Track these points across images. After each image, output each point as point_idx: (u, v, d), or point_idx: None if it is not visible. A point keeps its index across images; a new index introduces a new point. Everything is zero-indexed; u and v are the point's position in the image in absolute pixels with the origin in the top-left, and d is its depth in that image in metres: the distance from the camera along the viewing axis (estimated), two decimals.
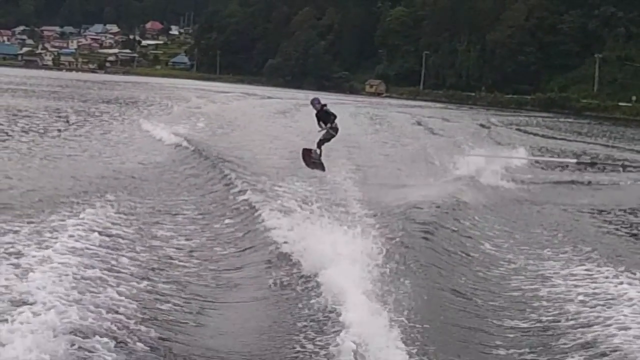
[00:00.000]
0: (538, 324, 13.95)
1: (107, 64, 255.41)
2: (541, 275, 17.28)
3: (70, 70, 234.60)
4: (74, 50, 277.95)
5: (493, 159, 37.82)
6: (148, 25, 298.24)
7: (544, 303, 15.14)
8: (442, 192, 30.74)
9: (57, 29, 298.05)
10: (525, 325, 13.81)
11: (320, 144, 24.24)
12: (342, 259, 14.61)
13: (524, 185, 33.52)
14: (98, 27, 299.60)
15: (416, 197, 28.65)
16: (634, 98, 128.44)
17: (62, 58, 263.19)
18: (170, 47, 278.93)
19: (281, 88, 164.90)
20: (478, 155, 39.75)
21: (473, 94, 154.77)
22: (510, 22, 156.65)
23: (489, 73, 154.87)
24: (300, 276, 15.09)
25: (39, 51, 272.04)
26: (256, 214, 21.59)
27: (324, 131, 23.70)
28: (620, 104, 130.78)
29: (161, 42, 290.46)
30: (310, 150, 24.50)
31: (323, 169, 24.47)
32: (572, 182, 35.71)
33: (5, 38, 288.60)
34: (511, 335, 13.25)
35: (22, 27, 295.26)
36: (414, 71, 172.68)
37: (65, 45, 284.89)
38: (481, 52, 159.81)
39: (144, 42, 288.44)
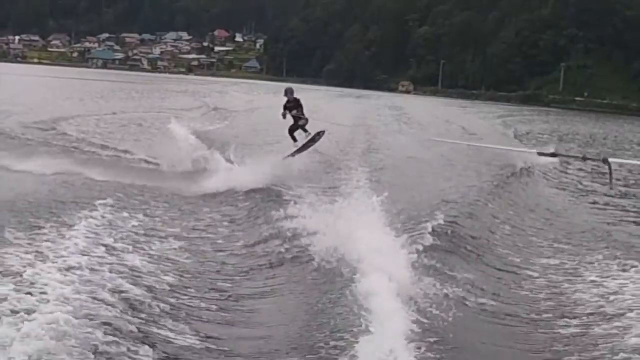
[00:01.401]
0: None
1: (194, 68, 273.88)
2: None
3: (165, 72, 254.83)
4: (158, 55, 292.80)
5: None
6: (216, 32, 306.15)
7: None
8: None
9: (137, 35, 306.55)
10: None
11: (291, 132, 26.98)
12: (372, 248, 14.17)
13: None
14: (172, 35, 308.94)
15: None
16: (585, 94, 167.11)
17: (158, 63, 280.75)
18: (239, 53, 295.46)
19: (336, 87, 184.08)
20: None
21: (476, 91, 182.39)
22: (503, 39, 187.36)
23: (488, 77, 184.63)
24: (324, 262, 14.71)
25: (133, 56, 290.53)
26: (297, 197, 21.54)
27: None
28: (576, 98, 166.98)
29: (229, 48, 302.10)
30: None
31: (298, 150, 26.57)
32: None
33: (95, 45, 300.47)
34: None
35: (106, 35, 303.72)
36: (434, 75, 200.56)
37: (149, 51, 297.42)
38: (482, 61, 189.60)
39: (216, 49, 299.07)
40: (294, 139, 26.38)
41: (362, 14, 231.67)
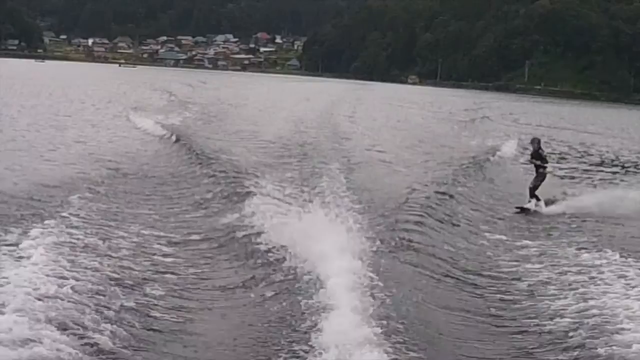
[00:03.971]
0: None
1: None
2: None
3: (224, 70, 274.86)
4: (213, 56, 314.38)
5: None
6: (259, 35, 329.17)
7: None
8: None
9: (191, 38, 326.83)
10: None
11: (532, 192, 23.14)
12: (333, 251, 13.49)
13: None
14: (221, 37, 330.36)
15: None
16: (542, 84, 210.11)
17: (218, 62, 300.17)
18: (280, 53, 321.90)
19: (360, 80, 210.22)
20: None
21: (465, 82, 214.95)
22: (485, 43, 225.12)
23: (473, 72, 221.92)
24: (287, 271, 13.93)
25: (196, 56, 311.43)
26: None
27: (534, 176, 22.46)
28: (536, 87, 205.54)
29: (271, 49, 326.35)
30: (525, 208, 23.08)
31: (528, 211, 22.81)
32: None
33: (158, 47, 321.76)
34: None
35: (164, 37, 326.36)
36: (434, 70, 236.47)
37: (205, 51, 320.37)
38: (469, 60, 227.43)
39: (261, 49, 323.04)
40: (537, 198, 23.08)
41: (381, 23, 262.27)
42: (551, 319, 12.78)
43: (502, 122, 69.60)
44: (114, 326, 10.67)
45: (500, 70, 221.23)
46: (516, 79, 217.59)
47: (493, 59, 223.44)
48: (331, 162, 30.12)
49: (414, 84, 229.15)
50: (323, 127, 47.43)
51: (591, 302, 13.26)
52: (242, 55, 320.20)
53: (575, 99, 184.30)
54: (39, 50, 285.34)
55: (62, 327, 10.09)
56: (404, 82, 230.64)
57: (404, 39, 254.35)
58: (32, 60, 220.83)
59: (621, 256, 16.77)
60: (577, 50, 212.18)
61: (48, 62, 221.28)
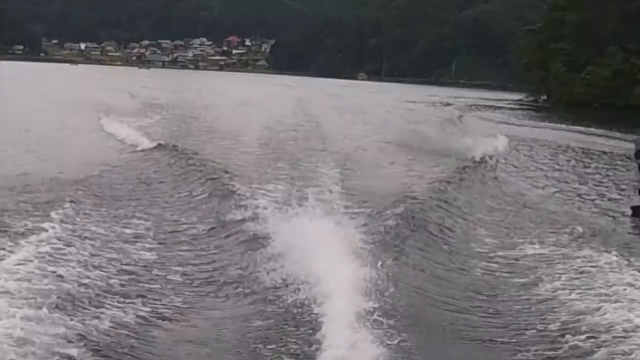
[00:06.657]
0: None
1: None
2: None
3: (205, 70, 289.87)
4: (192, 58, 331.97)
5: None
6: (230, 38, 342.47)
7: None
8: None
9: (170, 42, 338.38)
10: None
11: None
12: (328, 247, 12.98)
13: None
14: (197, 40, 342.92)
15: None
16: (466, 78, 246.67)
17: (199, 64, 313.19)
18: (250, 55, 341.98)
19: (320, 77, 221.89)
20: None
21: (404, 78, 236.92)
22: (420, 46, 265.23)
23: (412, 69, 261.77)
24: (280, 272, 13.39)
25: (179, 58, 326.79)
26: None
27: None
28: (460, 81, 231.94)
29: (242, 51, 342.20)
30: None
31: None
32: None
33: (143, 50, 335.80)
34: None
35: (146, 42, 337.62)
36: (379, 69, 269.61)
37: (185, 54, 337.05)
38: (408, 60, 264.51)
39: (233, 52, 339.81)
40: None
41: (337, 29, 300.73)
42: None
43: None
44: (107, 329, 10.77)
45: (431, 68, 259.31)
46: (445, 74, 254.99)
47: (427, 59, 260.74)
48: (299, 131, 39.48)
49: (362, 79, 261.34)
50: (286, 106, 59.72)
51: None
52: (218, 57, 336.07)
53: (492, 89, 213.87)
54: (41, 54, 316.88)
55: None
56: (355, 78, 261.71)
57: (356, 43, 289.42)
58: (67, 65, 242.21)
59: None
60: (495, 51, 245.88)
61: (80, 67, 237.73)
